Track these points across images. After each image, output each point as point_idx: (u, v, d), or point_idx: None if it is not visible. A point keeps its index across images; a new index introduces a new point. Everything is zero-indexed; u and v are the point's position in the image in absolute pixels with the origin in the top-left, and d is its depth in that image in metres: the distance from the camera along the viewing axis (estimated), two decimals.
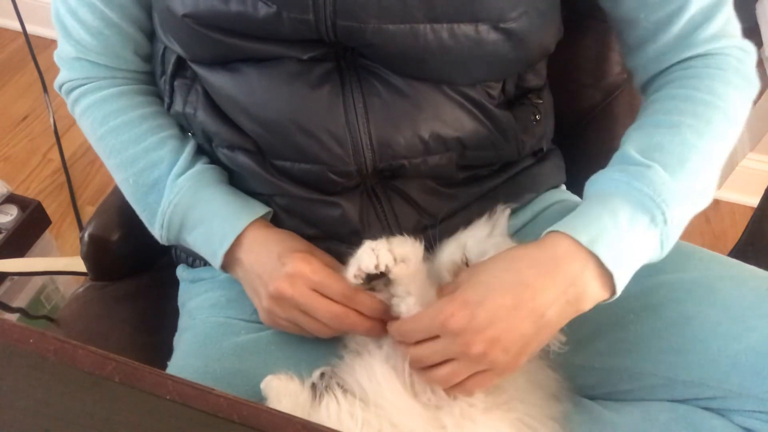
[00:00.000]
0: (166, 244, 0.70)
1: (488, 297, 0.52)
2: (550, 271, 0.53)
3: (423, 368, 0.56)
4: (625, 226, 0.54)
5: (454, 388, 0.56)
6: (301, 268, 0.60)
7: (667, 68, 0.64)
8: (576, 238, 0.53)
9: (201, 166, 0.68)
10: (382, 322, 0.60)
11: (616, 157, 0.60)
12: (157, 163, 0.68)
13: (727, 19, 0.62)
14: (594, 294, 0.54)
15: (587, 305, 0.54)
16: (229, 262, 0.65)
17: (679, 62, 0.63)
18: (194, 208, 0.66)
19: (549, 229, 0.56)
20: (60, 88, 0.74)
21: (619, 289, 0.54)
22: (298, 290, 0.60)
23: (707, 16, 0.61)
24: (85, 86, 0.71)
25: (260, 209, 0.67)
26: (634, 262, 0.55)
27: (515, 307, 0.52)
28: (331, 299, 0.60)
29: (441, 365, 0.55)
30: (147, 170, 0.68)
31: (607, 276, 0.53)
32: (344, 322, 0.59)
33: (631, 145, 0.59)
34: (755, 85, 0.61)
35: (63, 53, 0.71)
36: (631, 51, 0.67)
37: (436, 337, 0.54)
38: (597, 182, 0.59)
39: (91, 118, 0.71)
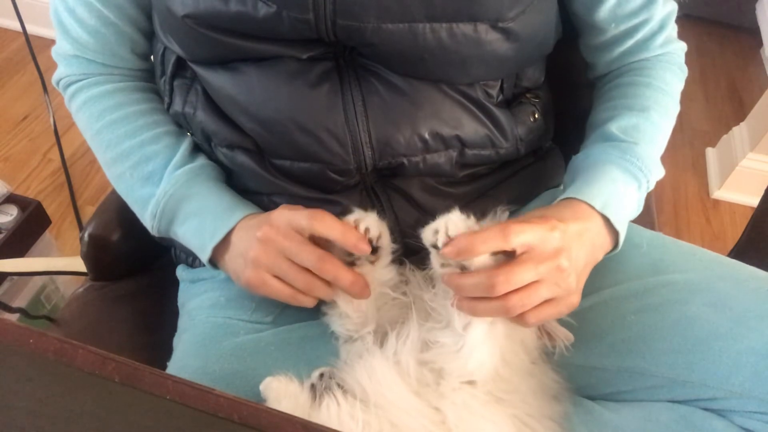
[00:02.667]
0: (156, 235, 0.70)
1: (566, 221, 0.58)
2: (587, 219, 0.60)
3: (498, 297, 0.54)
4: (622, 192, 0.63)
5: (522, 317, 0.55)
6: (287, 212, 0.61)
7: (627, 64, 0.74)
8: (592, 204, 0.61)
9: (201, 161, 0.69)
10: (366, 283, 0.60)
11: (601, 134, 0.69)
12: (152, 156, 0.68)
13: (673, 26, 0.72)
14: (606, 246, 0.63)
15: (602, 255, 0.63)
16: (218, 253, 0.65)
17: (637, 60, 0.73)
18: (189, 200, 0.66)
19: (564, 196, 0.63)
20: (57, 83, 0.74)
21: (620, 244, 0.64)
22: (283, 232, 0.59)
23: (662, 25, 0.71)
24: (82, 82, 0.71)
25: (254, 209, 0.67)
26: (628, 220, 0.65)
27: (580, 234, 0.59)
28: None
29: (524, 288, 0.54)
30: (141, 163, 0.68)
31: (613, 233, 0.62)
32: (328, 267, 0.58)
33: (611, 125, 0.68)
34: (686, 72, 0.74)
35: (60, 50, 0.72)
36: (595, 51, 0.75)
37: (522, 262, 0.54)
38: (592, 156, 0.67)
39: (87, 113, 0.71)
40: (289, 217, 0.60)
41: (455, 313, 0.56)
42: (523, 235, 0.54)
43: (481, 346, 0.56)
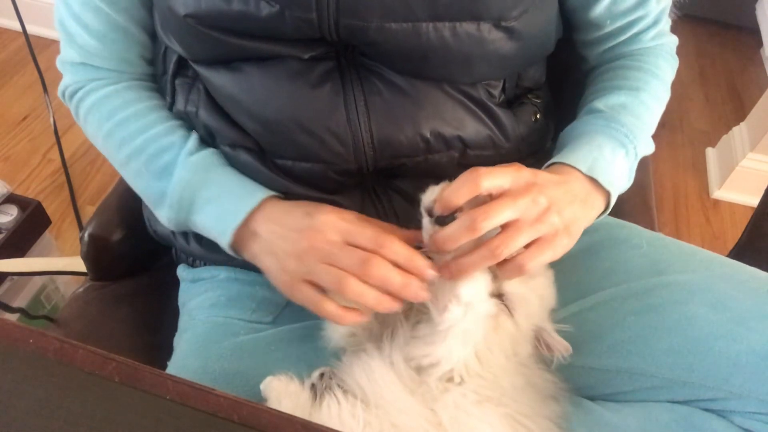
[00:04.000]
0: (173, 228, 0.68)
1: (537, 171, 0.59)
2: (566, 174, 0.61)
3: (483, 245, 0.53)
4: (609, 157, 0.63)
5: (509, 263, 0.54)
6: (331, 217, 0.58)
7: (618, 53, 0.75)
8: (577, 167, 0.61)
9: (214, 149, 0.68)
10: (420, 282, 0.54)
11: (586, 110, 0.70)
12: (167, 148, 0.67)
13: (667, 21, 0.74)
14: (598, 205, 0.63)
15: (593, 213, 0.63)
16: (241, 239, 0.62)
17: (629, 50, 0.74)
18: (207, 185, 0.65)
19: (549, 162, 0.63)
20: (63, 93, 0.73)
21: (611, 205, 0.64)
22: (328, 239, 0.56)
23: (656, 21, 0.72)
24: (90, 85, 0.71)
25: (274, 192, 0.65)
26: (619, 186, 0.64)
27: (557, 183, 0.58)
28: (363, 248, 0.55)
29: (505, 229, 0.54)
30: (157, 155, 0.67)
31: (604, 195, 0.63)
32: (375, 271, 0.54)
33: (598, 102, 0.69)
34: (677, 62, 0.76)
35: (66, 58, 0.71)
36: (589, 45, 0.76)
37: (498, 199, 0.54)
38: (577, 128, 0.68)
39: (97, 114, 0.70)
40: (344, 228, 0.57)
41: (437, 288, 0.55)
42: (493, 177, 0.54)
43: (452, 333, 0.55)
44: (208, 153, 0.67)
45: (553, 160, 0.63)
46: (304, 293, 0.57)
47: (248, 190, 0.64)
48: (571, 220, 0.58)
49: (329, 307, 0.56)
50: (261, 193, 0.63)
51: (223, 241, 0.63)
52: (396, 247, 0.54)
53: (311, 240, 0.56)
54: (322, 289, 0.57)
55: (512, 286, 0.58)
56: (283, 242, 0.59)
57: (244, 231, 0.62)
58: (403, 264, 0.54)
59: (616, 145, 0.64)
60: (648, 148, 0.68)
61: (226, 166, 0.67)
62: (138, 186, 0.70)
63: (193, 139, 0.68)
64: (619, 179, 0.64)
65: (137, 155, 0.68)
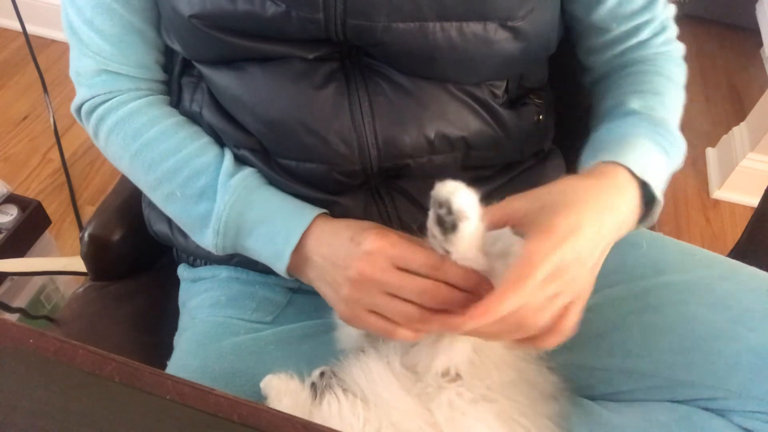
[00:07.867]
0: (221, 254, 0.65)
1: (583, 222, 0.51)
2: (621, 194, 0.56)
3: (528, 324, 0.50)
4: (656, 162, 0.60)
5: (555, 333, 0.51)
6: (378, 244, 0.55)
7: (629, 58, 0.72)
8: (631, 168, 0.57)
9: (251, 168, 0.66)
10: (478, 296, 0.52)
11: (621, 112, 0.67)
12: (203, 170, 0.65)
13: (674, 28, 0.73)
14: (635, 218, 0.58)
15: (627, 229, 0.58)
16: (297, 264, 0.61)
17: (639, 55, 0.72)
18: (251, 208, 0.63)
19: (601, 160, 0.58)
20: (78, 110, 0.70)
21: (656, 214, 0.61)
22: (380, 268, 0.54)
23: (664, 26, 0.71)
24: (109, 102, 0.68)
25: (321, 209, 0.63)
26: (661, 193, 0.60)
27: (584, 258, 0.52)
28: (416, 274, 0.54)
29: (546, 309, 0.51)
30: (193, 178, 0.64)
31: (646, 203, 0.59)
32: (436, 298, 0.53)
33: (633, 104, 0.66)
34: (686, 68, 0.73)
35: (81, 69, 0.68)
36: (596, 51, 0.73)
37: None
38: (621, 128, 0.64)
39: (122, 133, 0.67)
40: (393, 255, 0.54)
41: None
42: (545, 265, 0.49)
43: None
44: (248, 173, 0.64)
45: (604, 158, 0.58)
46: (371, 323, 0.56)
47: (296, 208, 0.62)
48: (595, 266, 0.54)
49: (404, 333, 0.55)
50: (309, 210, 0.62)
51: (280, 264, 0.61)
52: (447, 269, 0.53)
53: (363, 272, 0.54)
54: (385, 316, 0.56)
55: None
56: (335, 272, 0.57)
57: (296, 256, 0.61)
58: (460, 285, 0.53)
59: (660, 151, 0.62)
60: (678, 158, 0.65)
61: (268, 185, 0.65)
62: (171, 210, 0.67)
63: (228, 158, 0.65)
64: (663, 186, 0.60)
65: (170, 178, 0.65)
